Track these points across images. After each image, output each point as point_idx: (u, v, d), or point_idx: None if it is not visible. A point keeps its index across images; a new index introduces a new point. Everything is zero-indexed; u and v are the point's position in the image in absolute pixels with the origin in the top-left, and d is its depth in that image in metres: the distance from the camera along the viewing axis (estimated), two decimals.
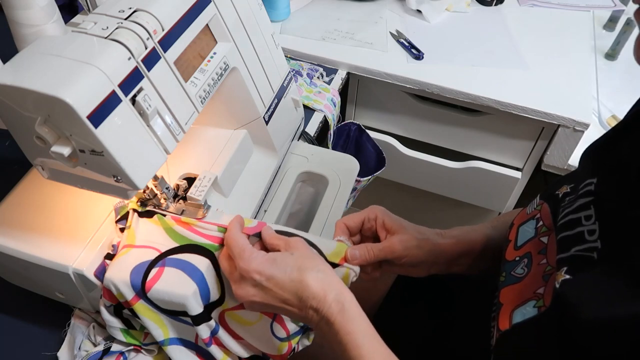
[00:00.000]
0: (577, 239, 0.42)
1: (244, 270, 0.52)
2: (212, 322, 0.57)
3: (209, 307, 0.57)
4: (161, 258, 0.57)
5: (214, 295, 0.57)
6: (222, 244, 0.58)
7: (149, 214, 0.61)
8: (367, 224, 0.61)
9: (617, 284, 0.37)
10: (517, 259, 0.51)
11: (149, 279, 0.55)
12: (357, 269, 0.57)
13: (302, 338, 0.61)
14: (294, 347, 0.60)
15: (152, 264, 0.56)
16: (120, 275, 0.55)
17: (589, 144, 0.52)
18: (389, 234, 0.60)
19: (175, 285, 0.55)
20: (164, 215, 0.60)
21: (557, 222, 0.47)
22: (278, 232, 0.58)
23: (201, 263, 0.57)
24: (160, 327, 0.58)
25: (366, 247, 0.58)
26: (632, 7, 1.31)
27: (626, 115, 0.49)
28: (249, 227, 0.59)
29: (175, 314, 0.56)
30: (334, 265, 0.56)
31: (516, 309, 0.46)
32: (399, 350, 0.70)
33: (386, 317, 0.76)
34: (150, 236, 0.59)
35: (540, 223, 0.51)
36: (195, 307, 0.55)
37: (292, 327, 0.59)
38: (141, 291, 0.55)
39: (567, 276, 0.41)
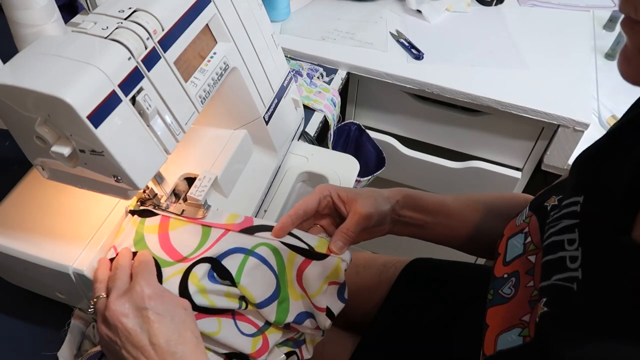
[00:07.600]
0: (558, 265, 0.40)
1: (141, 290, 0.50)
2: None
3: None
4: None
5: None
6: (179, 261, 0.57)
7: (142, 213, 0.61)
8: (323, 202, 0.61)
9: (592, 325, 0.35)
10: (505, 276, 0.49)
11: None
12: (347, 257, 0.57)
13: (306, 345, 0.61)
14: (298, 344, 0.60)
15: None
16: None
17: (581, 152, 0.49)
18: (347, 204, 0.61)
19: None
20: (156, 215, 0.60)
21: (543, 241, 0.45)
22: (266, 226, 0.58)
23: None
24: None
25: (342, 231, 0.58)
26: None
27: (614, 127, 0.46)
28: (236, 222, 0.59)
29: None
30: (324, 256, 0.56)
31: (501, 334, 0.44)
32: (402, 342, 0.70)
33: (389, 314, 0.77)
34: (122, 238, 0.59)
35: (529, 239, 0.48)
36: None
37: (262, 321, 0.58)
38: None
39: (546, 309, 0.39)
